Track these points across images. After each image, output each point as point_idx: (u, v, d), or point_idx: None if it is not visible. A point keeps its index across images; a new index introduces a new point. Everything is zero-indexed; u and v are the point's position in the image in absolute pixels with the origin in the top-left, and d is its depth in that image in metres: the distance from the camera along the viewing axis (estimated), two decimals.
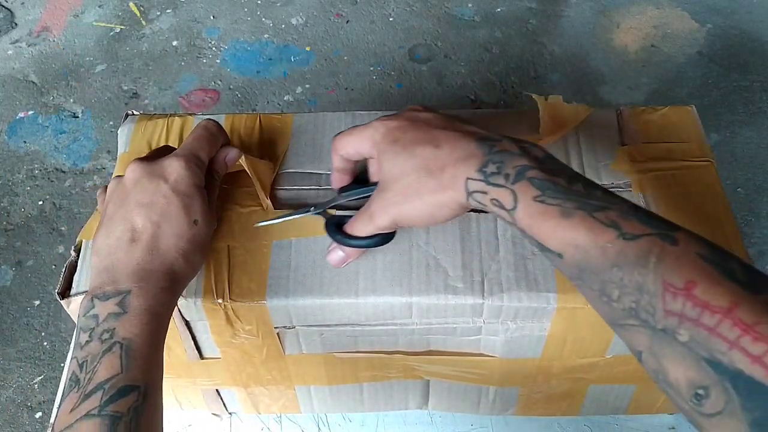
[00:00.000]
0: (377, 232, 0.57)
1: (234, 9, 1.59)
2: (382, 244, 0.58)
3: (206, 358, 0.68)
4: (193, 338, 0.65)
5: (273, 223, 0.63)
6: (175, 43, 1.54)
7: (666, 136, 0.70)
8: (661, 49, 1.47)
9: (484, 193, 0.50)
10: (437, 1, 1.58)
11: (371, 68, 1.45)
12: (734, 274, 0.41)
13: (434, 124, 0.54)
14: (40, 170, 1.31)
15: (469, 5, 1.57)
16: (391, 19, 1.55)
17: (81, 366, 0.48)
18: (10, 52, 1.53)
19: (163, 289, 0.52)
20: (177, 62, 1.50)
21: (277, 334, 0.63)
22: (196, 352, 0.67)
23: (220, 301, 0.60)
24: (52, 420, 0.78)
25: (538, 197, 0.47)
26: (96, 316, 0.50)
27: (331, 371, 0.70)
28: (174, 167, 0.55)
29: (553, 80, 1.42)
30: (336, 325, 0.62)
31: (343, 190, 0.63)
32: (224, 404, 0.79)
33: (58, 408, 0.48)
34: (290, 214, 0.63)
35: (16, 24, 1.60)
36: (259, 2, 1.60)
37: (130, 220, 0.53)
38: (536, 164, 0.49)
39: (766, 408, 0.36)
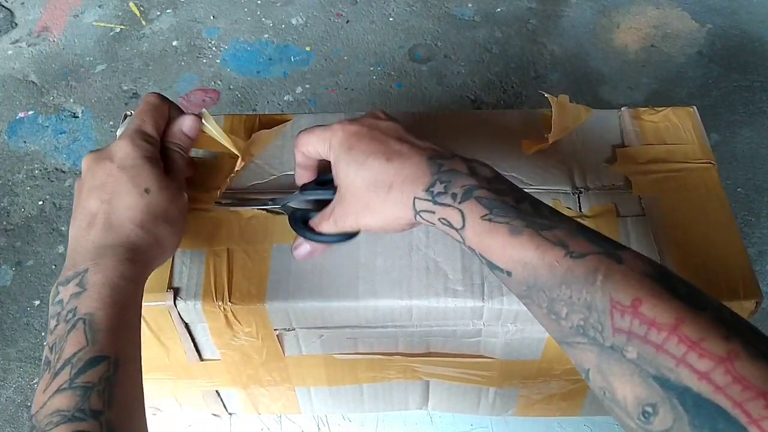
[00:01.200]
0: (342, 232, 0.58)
1: (234, 9, 1.59)
2: (348, 240, 0.59)
3: (206, 360, 0.68)
4: (193, 340, 0.65)
5: (234, 209, 0.65)
6: (175, 43, 1.53)
7: (667, 138, 0.70)
8: (661, 49, 1.47)
9: (432, 212, 0.50)
10: (437, 1, 1.58)
11: (371, 68, 1.45)
12: (678, 291, 0.41)
13: (391, 134, 0.54)
14: (40, 170, 1.31)
15: (469, 5, 1.57)
16: (391, 19, 1.55)
17: (51, 349, 0.49)
18: (10, 52, 1.53)
19: (122, 261, 0.52)
20: (177, 62, 1.49)
21: (277, 336, 0.64)
22: (196, 353, 0.67)
23: (219, 303, 0.60)
24: None
25: (486, 216, 0.48)
26: (61, 301, 0.51)
27: (331, 372, 0.70)
28: (118, 146, 0.57)
29: (553, 80, 1.42)
30: (336, 327, 0.63)
31: (304, 188, 0.63)
32: (224, 405, 0.79)
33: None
34: (250, 205, 0.64)
35: (16, 24, 1.60)
36: (259, 2, 1.60)
37: (86, 206, 0.55)
38: (484, 184, 0.50)
39: (714, 425, 0.36)
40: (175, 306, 0.60)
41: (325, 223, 0.58)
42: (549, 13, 1.55)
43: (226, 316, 0.60)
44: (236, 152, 0.66)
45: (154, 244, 0.55)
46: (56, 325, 0.50)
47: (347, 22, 1.54)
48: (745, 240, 0.61)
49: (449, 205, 0.50)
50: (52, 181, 1.29)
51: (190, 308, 0.60)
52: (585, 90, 1.40)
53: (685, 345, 0.39)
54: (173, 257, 0.62)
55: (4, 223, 1.23)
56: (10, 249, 1.20)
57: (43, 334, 1.12)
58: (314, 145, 0.58)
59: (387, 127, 0.55)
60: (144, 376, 0.52)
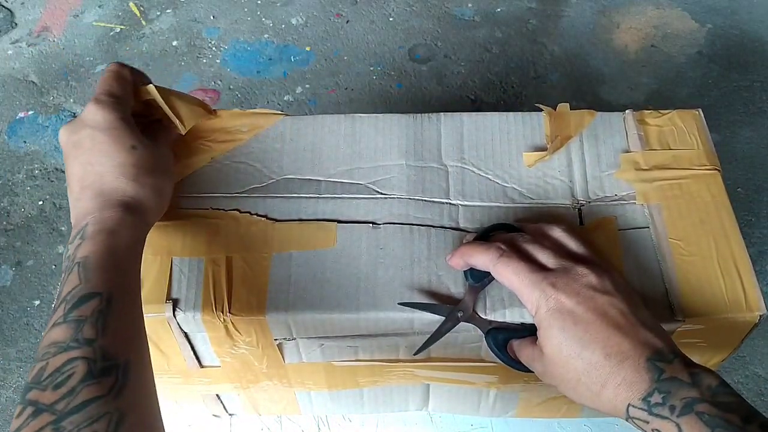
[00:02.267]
0: None
1: (234, 9, 1.59)
2: None
3: (206, 367, 0.68)
4: (192, 348, 0.65)
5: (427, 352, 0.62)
6: (175, 43, 1.53)
7: (672, 142, 0.69)
8: (661, 49, 1.46)
9: (646, 422, 0.48)
10: (437, 1, 1.57)
11: (371, 68, 1.45)
12: None
13: (611, 317, 0.51)
14: (40, 170, 1.31)
15: (469, 5, 1.56)
16: (391, 19, 1.54)
17: (57, 297, 0.51)
18: (10, 52, 1.53)
19: (118, 211, 0.55)
20: (177, 62, 1.49)
21: (278, 345, 0.63)
22: (196, 361, 0.67)
23: (219, 315, 0.59)
24: None
25: None
26: (68, 257, 0.53)
27: (332, 378, 0.70)
28: (91, 112, 0.58)
29: (553, 80, 1.42)
30: (336, 337, 0.62)
31: (474, 276, 0.59)
32: (224, 406, 0.79)
33: None
34: (438, 332, 0.60)
35: (16, 24, 1.59)
36: (259, 2, 1.60)
37: (75, 174, 0.57)
38: (707, 396, 0.46)
39: None
40: (175, 317, 0.60)
41: (527, 359, 0.57)
42: (549, 13, 1.54)
43: (226, 327, 0.60)
44: (178, 123, 0.65)
45: (149, 195, 0.58)
46: (62, 277, 0.53)
47: (347, 22, 1.54)
48: (745, 240, 0.61)
49: (666, 418, 0.46)
50: (52, 181, 1.29)
51: (190, 319, 0.60)
52: (585, 90, 1.39)
53: None
54: (171, 265, 0.62)
55: (4, 223, 1.23)
56: (10, 249, 1.20)
57: (42, 334, 1.12)
58: (507, 283, 0.56)
59: (607, 307, 0.52)
60: None
